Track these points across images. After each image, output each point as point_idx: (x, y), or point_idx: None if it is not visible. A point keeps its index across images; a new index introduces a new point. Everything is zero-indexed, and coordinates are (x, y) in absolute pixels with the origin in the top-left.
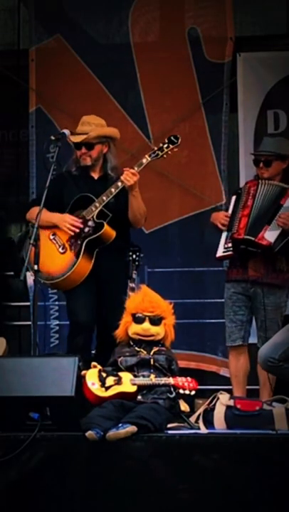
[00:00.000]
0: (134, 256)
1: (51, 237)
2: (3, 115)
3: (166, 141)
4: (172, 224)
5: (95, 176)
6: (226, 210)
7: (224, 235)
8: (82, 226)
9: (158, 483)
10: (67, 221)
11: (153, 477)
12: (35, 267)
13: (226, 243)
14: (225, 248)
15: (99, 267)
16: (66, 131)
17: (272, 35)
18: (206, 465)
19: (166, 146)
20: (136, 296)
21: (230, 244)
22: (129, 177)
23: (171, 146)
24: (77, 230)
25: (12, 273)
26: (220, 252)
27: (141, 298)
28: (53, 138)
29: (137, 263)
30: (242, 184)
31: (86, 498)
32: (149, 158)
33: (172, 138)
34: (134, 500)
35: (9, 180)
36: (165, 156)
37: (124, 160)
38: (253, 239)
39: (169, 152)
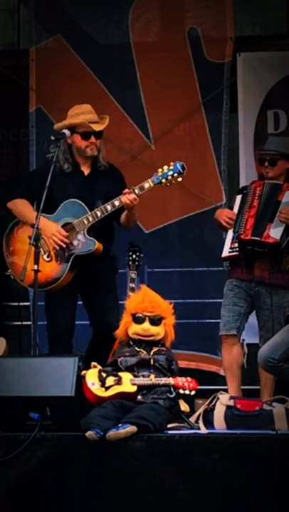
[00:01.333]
0: (134, 256)
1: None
2: (3, 115)
3: (173, 168)
4: (172, 224)
5: (85, 170)
6: (233, 201)
7: (229, 235)
8: (68, 242)
9: (158, 483)
10: (56, 236)
11: (153, 477)
12: (35, 266)
13: (232, 243)
14: (231, 248)
15: (84, 269)
16: (66, 131)
17: (272, 35)
18: (206, 465)
19: (171, 174)
20: (136, 296)
21: (236, 245)
22: (129, 201)
23: (175, 175)
24: (64, 247)
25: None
26: (226, 253)
27: (141, 298)
28: (53, 138)
29: (137, 263)
30: (242, 184)
31: (86, 498)
32: (152, 184)
33: (178, 167)
34: (134, 500)
35: (9, 180)
36: (168, 184)
37: (124, 160)
38: (259, 239)
39: (173, 182)
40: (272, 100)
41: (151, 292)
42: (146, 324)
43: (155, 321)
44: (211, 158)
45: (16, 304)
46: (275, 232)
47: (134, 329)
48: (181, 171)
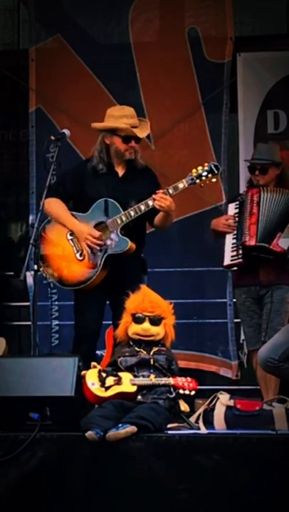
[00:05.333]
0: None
1: (69, 237)
2: (3, 115)
3: (207, 168)
4: (172, 224)
5: (120, 171)
6: (225, 210)
7: (228, 242)
8: (102, 244)
9: (158, 483)
10: (89, 238)
11: (153, 477)
12: (35, 266)
13: (232, 251)
14: (232, 256)
15: (115, 269)
16: (66, 131)
17: (272, 35)
18: (206, 465)
19: (205, 174)
20: (136, 296)
21: (238, 252)
22: (162, 202)
23: (210, 176)
24: (96, 249)
25: (12, 273)
26: (227, 261)
27: (141, 298)
28: (53, 138)
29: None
30: (242, 184)
31: (86, 498)
32: (186, 185)
33: (213, 167)
34: (134, 500)
35: (9, 180)
36: (202, 185)
37: None
38: (267, 246)
39: (207, 182)
40: (272, 100)
41: (151, 292)
42: (146, 324)
43: (155, 321)
44: (211, 158)
45: (16, 304)
46: (283, 242)
47: (134, 329)
48: (215, 171)
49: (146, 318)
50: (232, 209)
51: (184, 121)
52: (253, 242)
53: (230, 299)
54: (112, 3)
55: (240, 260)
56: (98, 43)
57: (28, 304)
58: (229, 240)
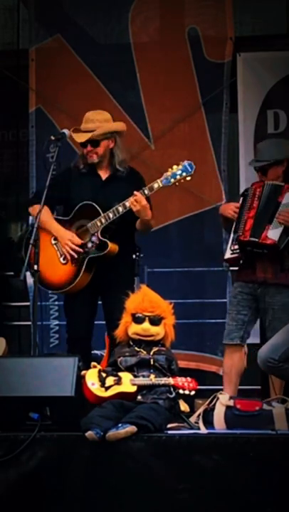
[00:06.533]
0: (134, 256)
1: (53, 241)
2: (3, 115)
3: (181, 167)
4: (172, 224)
5: (103, 175)
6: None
7: (232, 236)
8: (82, 251)
9: (158, 483)
10: (68, 244)
11: (153, 477)
12: (35, 266)
13: (232, 245)
14: (232, 250)
15: (104, 270)
16: (66, 131)
17: (272, 35)
18: (206, 465)
19: (179, 173)
20: (136, 296)
21: (236, 246)
22: (136, 204)
23: (184, 175)
24: (75, 256)
25: (12, 273)
26: (227, 254)
27: (141, 298)
28: (53, 138)
29: (136, 263)
30: (242, 184)
31: (86, 498)
32: (161, 184)
33: (187, 166)
34: (134, 500)
35: (9, 180)
36: (177, 183)
37: None
38: (257, 240)
39: (182, 181)
40: (272, 100)
41: (151, 292)
42: (146, 324)
43: (155, 321)
44: (211, 158)
45: (16, 304)
46: (273, 234)
47: (134, 329)
48: (190, 170)
49: (146, 318)
50: (240, 202)
51: (183, 121)
52: (246, 237)
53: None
54: (112, 3)
55: (237, 255)
56: (98, 43)
57: (28, 303)
58: (232, 234)
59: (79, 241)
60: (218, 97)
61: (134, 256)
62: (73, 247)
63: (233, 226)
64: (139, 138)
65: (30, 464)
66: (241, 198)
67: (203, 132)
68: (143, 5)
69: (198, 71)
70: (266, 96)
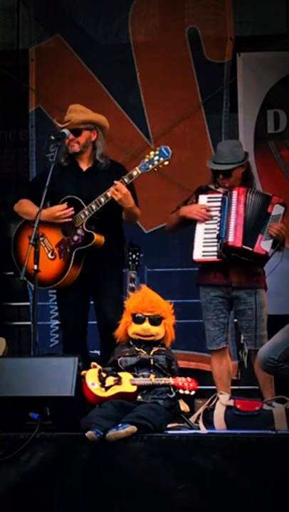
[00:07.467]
0: (134, 256)
1: (40, 238)
2: (3, 115)
3: (158, 152)
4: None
5: (84, 166)
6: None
7: (199, 236)
8: (73, 213)
9: (158, 483)
10: (60, 213)
11: (153, 477)
12: (35, 266)
13: (206, 246)
14: (205, 252)
15: (93, 263)
16: (66, 131)
17: (272, 35)
18: (206, 465)
19: (157, 159)
20: (136, 296)
21: (214, 249)
22: (116, 193)
23: (162, 160)
24: (70, 220)
25: (12, 273)
26: (199, 255)
27: (141, 298)
28: (52, 138)
29: (136, 263)
30: None
31: (86, 498)
32: (139, 171)
33: (164, 150)
34: (134, 500)
35: (9, 180)
36: (156, 169)
37: (124, 160)
38: (250, 249)
39: (160, 166)
40: (272, 100)
41: (151, 292)
42: (146, 324)
43: (155, 321)
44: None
45: (16, 304)
46: (265, 244)
47: (134, 329)
48: (166, 154)
49: (146, 318)
50: (204, 201)
51: (183, 121)
52: (238, 244)
53: None
54: (111, 3)
55: (214, 258)
56: (98, 43)
57: (28, 303)
58: (201, 234)
59: (66, 207)
60: (218, 97)
61: (122, 246)
62: (65, 212)
63: (207, 226)
64: (139, 138)
65: (30, 464)
66: (210, 197)
67: (203, 132)
68: (143, 5)
69: (198, 71)
70: (266, 96)
